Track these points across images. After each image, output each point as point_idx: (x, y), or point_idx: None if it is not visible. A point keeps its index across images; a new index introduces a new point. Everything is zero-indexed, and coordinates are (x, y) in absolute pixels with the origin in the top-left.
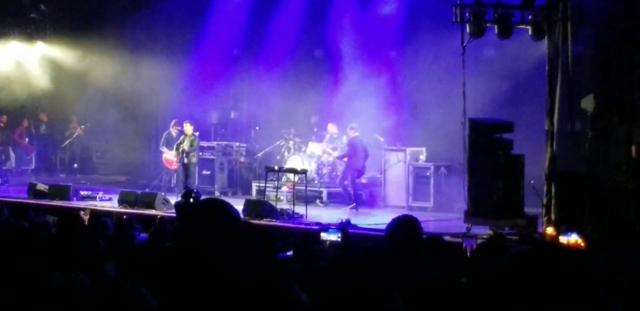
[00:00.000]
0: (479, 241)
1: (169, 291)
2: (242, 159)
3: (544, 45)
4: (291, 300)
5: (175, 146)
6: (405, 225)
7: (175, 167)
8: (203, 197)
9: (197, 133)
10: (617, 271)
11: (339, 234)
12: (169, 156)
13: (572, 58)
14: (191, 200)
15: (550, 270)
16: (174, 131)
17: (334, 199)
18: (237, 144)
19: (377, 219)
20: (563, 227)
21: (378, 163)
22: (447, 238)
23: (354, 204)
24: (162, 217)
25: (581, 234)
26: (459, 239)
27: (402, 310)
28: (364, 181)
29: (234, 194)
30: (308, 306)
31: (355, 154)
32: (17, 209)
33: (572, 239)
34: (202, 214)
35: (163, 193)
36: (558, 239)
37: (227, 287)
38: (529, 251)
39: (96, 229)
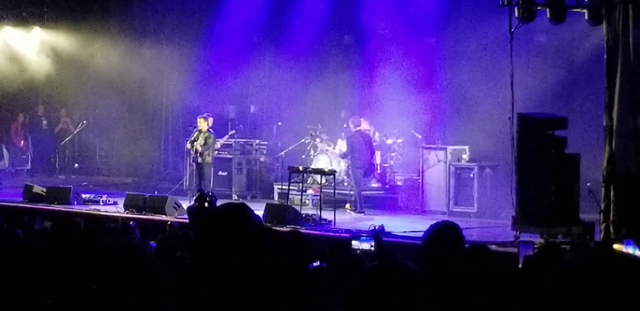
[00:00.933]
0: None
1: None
2: (262, 159)
3: (602, 31)
4: None
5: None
6: (444, 233)
7: None
8: (219, 201)
9: (233, 133)
10: None
11: (373, 243)
12: None
13: (634, 46)
14: (206, 204)
15: (609, 284)
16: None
17: (367, 203)
18: (257, 141)
19: (414, 226)
20: (620, 234)
21: (415, 163)
22: (493, 247)
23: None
24: (172, 223)
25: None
26: (506, 249)
27: None
28: (399, 183)
29: (254, 197)
30: None
31: (355, 152)
32: (10, 215)
33: (629, 249)
34: (220, 222)
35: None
36: (612, 247)
37: (250, 307)
38: (582, 261)
39: (97, 237)
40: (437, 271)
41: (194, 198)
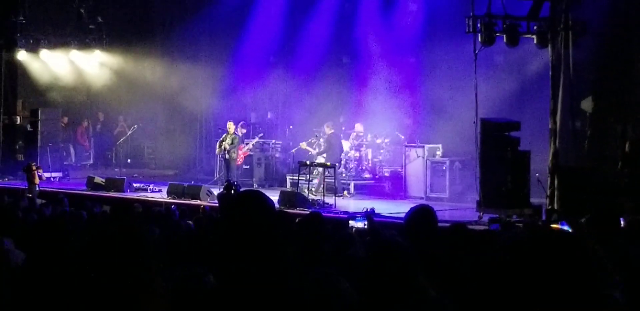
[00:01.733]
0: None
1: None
2: (277, 155)
3: (548, 52)
4: (333, 288)
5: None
6: (421, 214)
7: (241, 162)
8: (242, 189)
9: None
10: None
11: (365, 222)
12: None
13: (573, 64)
14: (232, 192)
15: (541, 252)
16: (239, 132)
17: (361, 190)
18: (273, 141)
19: (398, 208)
20: (554, 216)
21: (399, 158)
22: None
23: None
24: (204, 207)
25: (572, 223)
26: (472, 227)
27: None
28: (386, 174)
29: (271, 186)
30: (351, 295)
31: (331, 150)
32: (76, 200)
33: (564, 228)
34: (242, 203)
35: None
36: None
37: (266, 273)
38: (520, 235)
39: (149, 218)
40: (416, 244)
41: (223, 186)
